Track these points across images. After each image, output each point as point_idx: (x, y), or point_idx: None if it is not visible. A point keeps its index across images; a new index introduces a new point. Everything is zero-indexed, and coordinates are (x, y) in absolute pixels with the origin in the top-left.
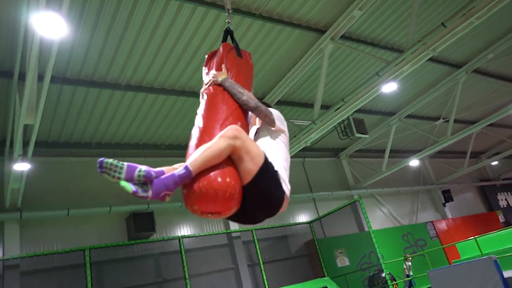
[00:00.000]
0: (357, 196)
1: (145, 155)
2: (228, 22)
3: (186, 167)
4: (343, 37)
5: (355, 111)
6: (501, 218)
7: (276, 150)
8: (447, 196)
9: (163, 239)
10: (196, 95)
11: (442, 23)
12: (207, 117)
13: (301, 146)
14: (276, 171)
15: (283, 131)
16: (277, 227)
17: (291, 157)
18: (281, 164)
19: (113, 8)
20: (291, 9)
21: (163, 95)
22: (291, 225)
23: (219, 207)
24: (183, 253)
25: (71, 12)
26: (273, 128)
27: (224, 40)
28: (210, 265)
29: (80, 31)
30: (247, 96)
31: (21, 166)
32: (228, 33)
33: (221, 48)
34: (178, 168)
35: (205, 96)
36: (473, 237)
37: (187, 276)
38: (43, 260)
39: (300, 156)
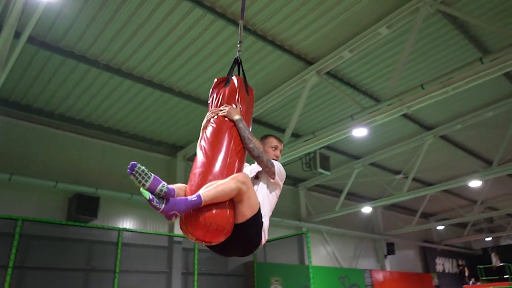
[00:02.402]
0: (305, 229)
1: (106, 139)
2: (239, 51)
3: (199, 196)
4: (328, 73)
5: (323, 147)
6: (435, 282)
7: (267, 202)
8: (390, 249)
9: (103, 227)
10: (172, 92)
11: (421, 85)
12: (215, 148)
13: None
14: (262, 222)
15: (279, 185)
16: None
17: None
18: (267, 215)
19: None
20: (286, 34)
21: (140, 84)
22: None
23: (213, 239)
24: (119, 246)
25: None
26: (271, 180)
27: (232, 69)
28: (143, 264)
29: None
30: (254, 144)
31: None
32: (237, 62)
33: (235, 82)
34: (191, 194)
35: (214, 125)
36: None
37: (117, 270)
38: None
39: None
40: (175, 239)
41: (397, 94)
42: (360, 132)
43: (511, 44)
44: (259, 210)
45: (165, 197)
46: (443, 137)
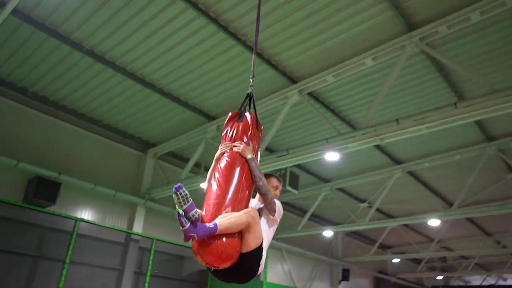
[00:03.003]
0: None
1: (78, 125)
2: (251, 86)
3: (215, 225)
4: (310, 94)
5: (294, 165)
6: None
7: (265, 236)
8: (345, 275)
9: (60, 214)
10: (153, 88)
11: (397, 119)
12: (228, 182)
13: None
14: (262, 255)
15: (277, 222)
16: (179, 245)
17: None
18: (266, 248)
19: None
20: (274, 49)
21: (122, 75)
22: None
23: (221, 265)
24: (74, 236)
25: None
26: (271, 216)
27: (245, 103)
28: (95, 258)
29: None
30: (263, 182)
31: None
32: (249, 97)
33: (249, 119)
34: (209, 223)
35: (229, 160)
36: None
37: (67, 261)
38: None
39: None
40: (133, 236)
41: (373, 125)
42: (332, 156)
43: (485, 94)
44: (262, 242)
45: (193, 221)
46: (411, 173)
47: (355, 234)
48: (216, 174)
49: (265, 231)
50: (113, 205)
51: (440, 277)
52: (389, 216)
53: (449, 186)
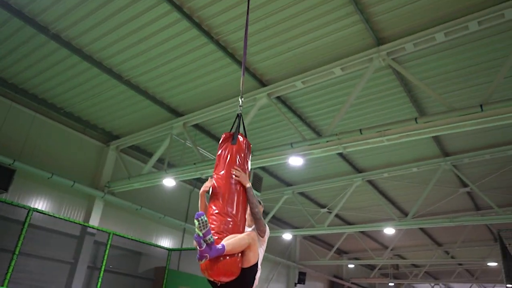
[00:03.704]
0: None
1: (37, 110)
2: (240, 106)
3: (223, 246)
4: (278, 98)
5: (258, 167)
6: None
7: (260, 254)
8: (301, 278)
9: (12, 203)
10: (120, 79)
11: (360, 130)
12: (231, 207)
13: (196, 176)
14: (257, 270)
15: (265, 242)
16: (136, 240)
17: (183, 181)
18: (259, 265)
19: None
20: (247, 51)
21: (88, 63)
22: (151, 244)
23: (225, 280)
24: (25, 226)
25: None
26: (261, 238)
27: (237, 124)
28: (47, 250)
29: None
30: (258, 209)
31: None
32: (239, 117)
33: (244, 144)
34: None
35: (229, 186)
36: None
37: (17, 252)
38: None
39: (191, 184)
40: (89, 230)
41: (337, 133)
42: (296, 161)
43: (444, 111)
44: (258, 259)
45: (208, 244)
46: (370, 182)
47: (313, 238)
48: (220, 198)
49: (260, 251)
50: (70, 197)
51: (391, 284)
52: (347, 222)
53: (405, 197)
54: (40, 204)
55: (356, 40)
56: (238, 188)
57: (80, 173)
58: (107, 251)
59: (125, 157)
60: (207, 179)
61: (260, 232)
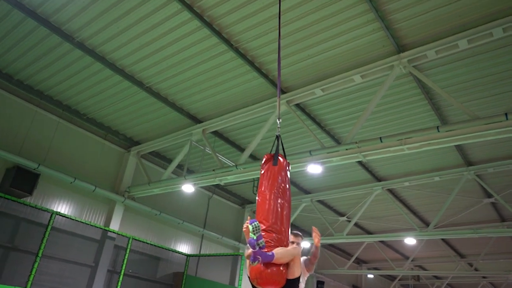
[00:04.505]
0: (243, 251)
1: (62, 116)
2: (278, 128)
3: (273, 254)
4: (297, 105)
5: None
6: None
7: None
8: (320, 287)
9: (36, 206)
10: (141, 86)
11: (380, 138)
12: (274, 219)
13: (215, 182)
14: (299, 283)
15: (307, 275)
16: (155, 245)
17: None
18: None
19: None
20: (266, 58)
21: (110, 70)
22: (170, 250)
23: (270, 287)
24: (48, 229)
25: None
26: (308, 272)
27: (277, 145)
28: (69, 253)
29: None
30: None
31: None
32: (278, 139)
33: (284, 164)
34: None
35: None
36: None
37: (40, 254)
38: None
39: (210, 190)
40: (109, 234)
41: (357, 141)
42: (315, 168)
43: (467, 120)
44: (301, 273)
45: (260, 247)
46: (390, 191)
47: (332, 247)
48: (266, 217)
49: (303, 278)
50: (92, 201)
51: None
52: (366, 231)
53: (427, 207)
54: (62, 208)
55: (377, 47)
56: (283, 206)
57: (102, 178)
58: (126, 255)
59: (145, 162)
60: (226, 186)
61: (310, 270)
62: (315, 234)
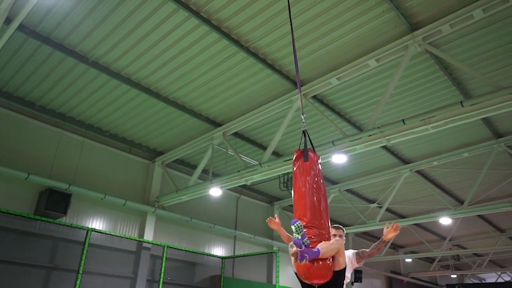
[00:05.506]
0: (276, 248)
1: (85, 135)
2: (303, 123)
3: (318, 250)
4: (314, 97)
5: None
6: None
7: (348, 273)
8: (358, 276)
9: (71, 225)
10: (159, 97)
11: (403, 120)
12: (313, 214)
13: (241, 183)
14: (345, 275)
15: (353, 267)
16: (190, 251)
17: (229, 190)
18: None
19: None
20: (277, 54)
21: (127, 85)
22: (204, 254)
23: (319, 281)
24: (86, 246)
25: None
26: (358, 264)
27: (305, 141)
28: (108, 268)
29: None
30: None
31: None
32: (304, 134)
33: (315, 158)
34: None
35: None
36: None
37: (80, 271)
38: None
39: (237, 191)
40: (144, 244)
41: (379, 126)
42: (339, 158)
43: (491, 91)
44: (346, 266)
45: (306, 245)
46: (419, 172)
47: (365, 234)
48: (305, 213)
49: (348, 270)
50: (124, 214)
51: (454, 276)
52: (399, 215)
53: (459, 184)
54: (96, 224)
55: (389, 29)
56: (320, 200)
57: (131, 191)
58: (163, 263)
59: (171, 171)
60: (252, 185)
61: (358, 262)
62: (390, 230)
